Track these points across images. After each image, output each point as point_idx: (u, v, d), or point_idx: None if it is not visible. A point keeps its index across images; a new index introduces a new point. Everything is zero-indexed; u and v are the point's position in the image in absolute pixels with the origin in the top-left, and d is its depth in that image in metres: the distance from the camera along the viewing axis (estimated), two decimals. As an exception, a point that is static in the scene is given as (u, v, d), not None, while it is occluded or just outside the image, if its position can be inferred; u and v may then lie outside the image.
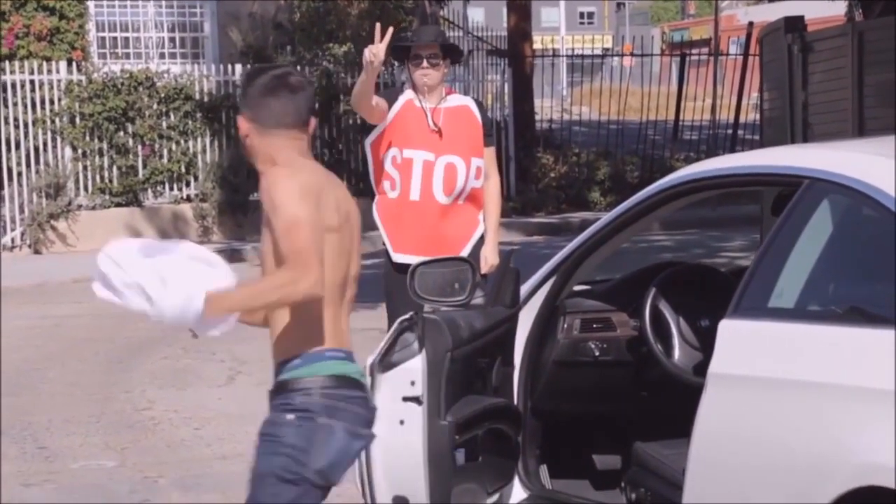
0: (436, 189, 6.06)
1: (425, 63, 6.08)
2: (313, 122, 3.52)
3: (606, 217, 4.34)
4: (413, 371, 3.96)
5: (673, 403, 4.24)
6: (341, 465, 3.32)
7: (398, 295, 5.95)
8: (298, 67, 16.62)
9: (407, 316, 4.05)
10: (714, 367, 3.69)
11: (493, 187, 6.27)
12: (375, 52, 5.73)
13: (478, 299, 4.37)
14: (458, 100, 6.22)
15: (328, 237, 3.32)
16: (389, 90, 6.46)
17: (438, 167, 6.06)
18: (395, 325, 4.04)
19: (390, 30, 5.88)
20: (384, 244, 6.17)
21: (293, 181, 3.33)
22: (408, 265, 5.92)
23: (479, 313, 4.26)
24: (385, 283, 6.18)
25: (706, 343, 4.12)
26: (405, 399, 3.94)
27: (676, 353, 4.32)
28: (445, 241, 6.06)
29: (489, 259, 6.17)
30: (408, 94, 6.15)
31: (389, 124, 6.11)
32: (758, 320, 3.66)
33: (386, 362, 3.99)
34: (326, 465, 3.29)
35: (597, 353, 4.46)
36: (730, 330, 3.70)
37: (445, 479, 3.99)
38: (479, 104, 6.38)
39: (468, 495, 4.15)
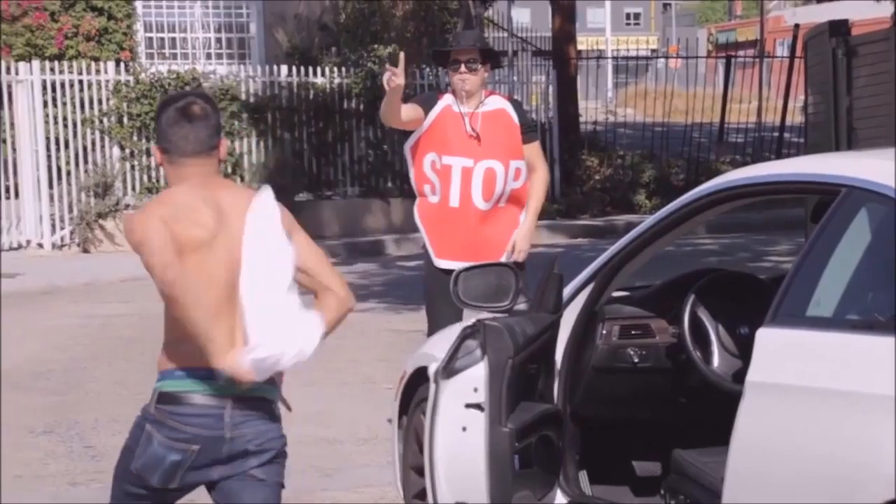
0: (475, 195, 6.08)
1: (463, 68, 6.10)
2: (222, 146, 3.63)
3: (644, 224, 4.36)
4: (476, 378, 4.00)
5: (712, 410, 4.25)
6: (154, 471, 3.53)
7: (439, 298, 5.99)
8: (343, 69, 16.73)
9: (470, 323, 4.07)
10: (752, 375, 3.70)
11: (539, 178, 6.28)
12: (396, 75, 5.76)
13: (521, 305, 4.40)
14: (495, 102, 6.22)
15: (189, 259, 3.45)
16: (426, 94, 6.49)
17: (477, 173, 6.08)
18: (459, 331, 4.07)
19: (402, 56, 5.87)
20: (425, 248, 6.21)
21: (146, 209, 3.54)
22: (450, 270, 6.00)
23: (529, 319, 4.29)
24: (426, 287, 6.22)
25: (745, 350, 4.13)
26: (468, 406, 3.98)
27: (715, 360, 4.33)
28: (487, 245, 6.09)
29: (518, 244, 6.17)
30: (447, 98, 6.17)
31: (427, 129, 6.13)
32: (796, 329, 3.67)
33: (449, 369, 4.03)
34: (140, 466, 3.55)
35: (635, 360, 4.48)
36: (768, 338, 3.71)
37: (506, 487, 4.02)
38: (517, 104, 6.38)
39: (525, 502, 4.18)
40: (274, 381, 3.64)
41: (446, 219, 6.12)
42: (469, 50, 6.13)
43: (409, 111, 6.04)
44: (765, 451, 3.62)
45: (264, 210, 3.54)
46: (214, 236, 3.50)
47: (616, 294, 4.63)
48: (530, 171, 6.27)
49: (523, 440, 4.11)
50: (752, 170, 4.30)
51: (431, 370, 4.58)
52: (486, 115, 6.14)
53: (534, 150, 6.30)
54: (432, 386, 3.87)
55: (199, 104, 3.61)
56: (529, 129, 6.29)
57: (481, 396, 3.98)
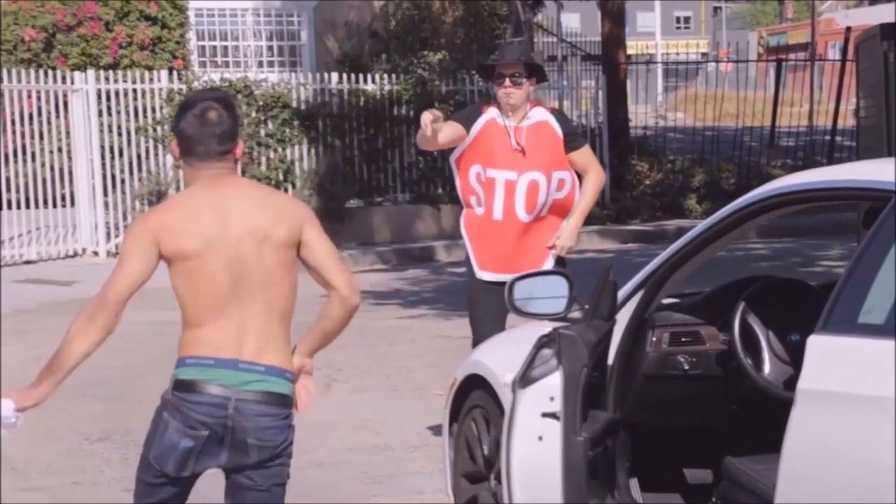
0: (518, 208, 6.13)
1: (508, 82, 6.13)
2: (238, 148, 3.79)
3: (694, 231, 4.36)
4: (552, 387, 4.01)
5: (764, 418, 4.24)
6: (169, 458, 3.72)
7: (482, 307, 6.06)
8: (393, 75, 16.79)
9: (546, 331, 4.09)
10: (803, 382, 3.70)
11: (591, 179, 6.32)
12: (437, 121, 5.82)
13: (574, 312, 4.42)
14: (539, 115, 6.25)
15: (183, 264, 3.70)
16: (468, 110, 6.53)
17: (521, 186, 6.12)
18: (536, 340, 4.08)
19: (431, 117, 5.90)
20: (468, 258, 6.26)
21: (141, 219, 3.79)
22: (491, 282, 6.08)
23: (591, 327, 4.31)
24: (470, 294, 6.27)
25: (796, 357, 4.12)
26: (544, 415, 3.99)
27: (766, 367, 4.33)
28: (528, 256, 6.14)
29: (561, 239, 6.20)
30: (491, 111, 6.22)
31: (472, 142, 6.18)
32: (847, 336, 3.65)
33: (526, 378, 4.04)
34: (157, 454, 3.74)
35: (686, 367, 4.48)
36: (819, 345, 3.70)
37: (581, 496, 4.03)
38: (559, 114, 6.42)
39: None
40: (285, 375, 3.75)
41: (490, 231, 6.17)
42: (514, 64, 6.16)
43: (447, 132, 6.08)
44: (817, 458, 3.61)
45: None
46: (210, 241, 3.69)
47: (666, 301, 4.63)
48: (584, 175, 6.31)
49: (594, 449, 4.13)
50: (803, 176, 4.29)
51: (502, 379, 4.65)
52: (530, 128, 6.18)
53: (584, 154, 6.33)
54: (509, 395, 3.89)
55: (215, 109, 3.74)
56: (575, 136, 6.31)
57: (557, 405, 3.99)
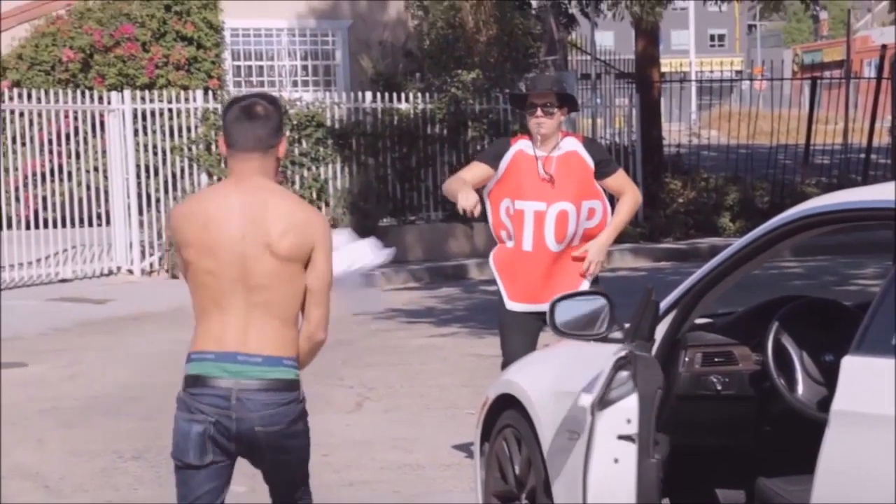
0: (548, 238, 6.16)
1: (539, 112, 6.16)
2: (281, 145, 3.98)
3: (727, 251, 4.34)
4: (629, 409, 4.01)
5: (797, 438, 4.22)
6: (187, 446, 3.90)
7: (513, 329, 6.18)
8: (427, 94, 16.84)
9: (623, 353, 4.08)
10: (837, 404, 3.67)
11: (626, 198, 6.35)
12: (474, 206, 5.97)
13: (615, 333, 4.41)
14: (569, 144, 6.28)
15: (190, 262, 3.91)
16: (495, 146, 6.58)
17: (550, 216, 6.14)
18: (613, 362, 4.07)
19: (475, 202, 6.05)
20: (498, 287, 6.31)
21: (175, 208, 4.06)
22: (521, 312, 6.17)
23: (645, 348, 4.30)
24: (500, 317, 6.34)
25: (830, 378, 4.10)
26: (619, 437, 3.98)
27: (800, 387, 4.30)
28: (558, 286, 6.18)
29: (589, 254, 6.22)
30: (520, 143, 6.27)
31: (502, 176, 6.25)
32: (882, 357, 3.62)
33: (604, 401, 4.04)
34: (176, 449, 3.94)
35: (719, 388, 4.46)
36: (853, 366, 3.67)
37: None
38: (589, 142, 6.47)
39: None
40: (283, 362, 3.90)
41: (520, 263, 6.22)
42: (545, 94, 6.19)
43: (474, 176, 6.24)
44: (851, 480, 3.58)
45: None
46: (213, 240, 3.86)
47: (699, 321, 4.62)
48: (620, 197, 6.34)
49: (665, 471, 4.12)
50: (838, 196, 4.26)
51: (541, 399, 4.65)
52: (560, 158, 6.21)
53: (619, 179, 6.36)
54: (588, 417, 3.90)
55: (261, 104, 3.93)
56: (608, 162, 6.34)
57: (633, 428, 3.98)
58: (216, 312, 3.89)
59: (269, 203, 3.90)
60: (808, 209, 4.17)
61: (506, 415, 5.01)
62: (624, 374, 4.05)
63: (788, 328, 4.33)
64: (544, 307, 6.23)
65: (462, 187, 6.13)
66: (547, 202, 6.16)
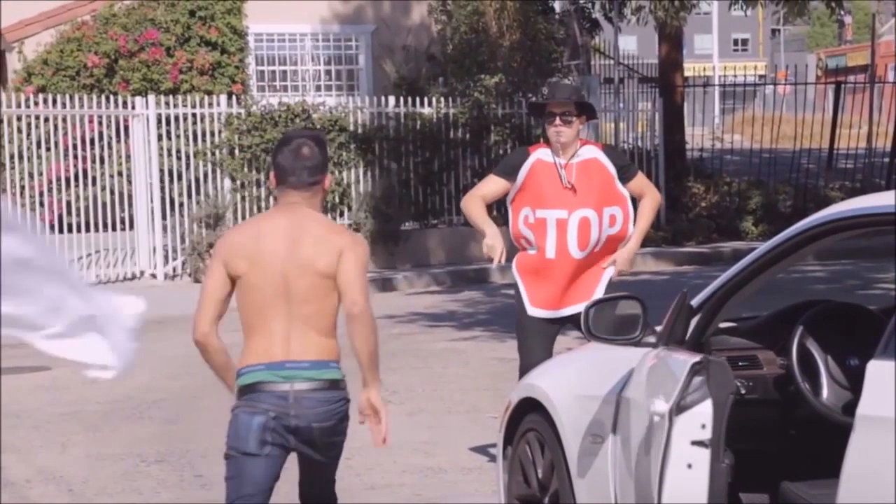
0: (571, 246, 6.19)
1: (558, 121, 6.19)
2: (326, 181, 4.41)
3: (752, 255, 4.33)
4: (703, 414, 4.00)
5: (822, 442, 4.20)
6: (247, 436, 4.29)
7: (531, 333, 6.29)
8: (450, 99, 16.84)
9: (698, 359, 4.08)
10: (862, 408, 3.65)
11: (647, 201, 6.38)
12: (498, 256, 6.07)
13: (649, 337, 4.41)
14: (588, 152, 6.30)
15: (239, 281, 4.31)
16: (512, 158, 6.60)
17: (572, 223, 6.17)
18: (689, 367, 4.06)
19: (502, 252, 6.15)
20: (518, 291, 6.32)
21: (219, 242, 4.45)
22: (541, 318, 6.21)
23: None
24: (518, 321, 6.37)
25: (854, 382, 4.08)
26: (693, 443, 3.98)
27: (825, 391, 4.28)
28: (578, 292, 6.22)
29: (618, 263, 6.25)
30: (538, 152, 6.29)
31: (521, 186, 6.27)
32: (908, 361, 3.61)
33: (680, 406, 4.03)
34: (233, 441, 4.35)
35: (743, 391, 4.44)
36: (879, 370, 3.65)
37: None
38: (609, 149, 6.51)
39: None
40: (329, 365, 4.29)
41: (543, 269, 6.26)
42: (565, 103, 6.21)
43: (490, 191, 6.34)
44: (876, 484, 3.56)
45: None
46: (259, 263, 4.28)
47: (723, 325, 4.60)
48: (640, 200, 6.36)
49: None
50: (866, 200, 4.23)
51: (549, 398, 4.61)
52: (580, 165, 6.23)
53: (639, 182, 6.40)
54: (665, 423, 3.90)
55: (308, 145, 4.37)
56: (627, 168, 6.36)
57: (708, 433, 3.98)
58: (261, 328, 4.28)
59: (309, 227, 4.32)
60: (835, 213, 4.15)
61: (528, 418, 5.00)
62: (699, 379, 4.04)
63: (813, 332, 4.32)
64: (564, 313, 6.27)
65: (486, 224, 6.22)
66: (569, 210, 6.18)
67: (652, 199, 6.37)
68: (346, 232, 4.44)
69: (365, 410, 4.34)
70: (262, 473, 4.31)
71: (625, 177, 6.31)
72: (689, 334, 4.35)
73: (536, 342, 6.26)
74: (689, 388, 4.00)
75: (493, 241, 6.13)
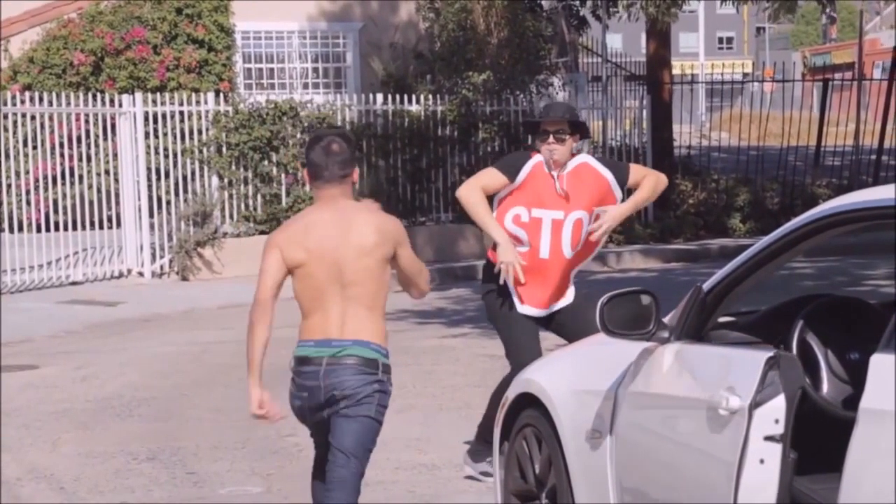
0: (564, 246, 6.31)
1: (552, 139, 6.27)
2: (354, 173, 4.87)
3: (748, 252, 4.31)
4: (777, 409, 3.99)
5: (823, 437, 4.18)
6: (295, 412, 4.90)
7: (520, 325, 6.31)
8: (438, 96, 16.82)
9: (771, 353, 4.06)
10: (866, 402, 3.64)
11: (646, 181, 6.40)
12: (511, 276, 6.12)
13: (661, 331, 4.39)
14: (578, 159, 6.38)
15: (297, 271, 4.77)
16: (514, 157, 6.66)
17: (567, 224, 6.29)
18: (763, 363, 4.05)
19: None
20: (504, 288, 6.30)
21: (273, 235, 4.87)
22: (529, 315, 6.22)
23: None
24: (504, 319, 6.40)
25: (855, 377, 4.06)
26: (766, 438, 3.97)
27: (825, 386, 4.26)
28: (559, 291, 6.34)
29: (604, 217, 6.27)
30: (539, 156, 6.33)
31: (520, 185, 6.31)
32: (911, 355, 3.60)
33: (755, 401, 4.02)
34: (292, 409, 4.92)
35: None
36: (882, 364, 3.64)
37: None
38: (599, 157, 6.67)
39: None
40: (370, 345, 4.74)
41: (535, 269, 6.29)
42: (558, 121, 6.26)
43: (489, 184, 6.32)
44: (879, 479, 3.55)
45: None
46: (315, 251, 4.74)
47: (722, 319, 4.58)
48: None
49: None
50: (864, 194, 4.22)
51: (546, 394, 4.61)
52: (570, 173, 6.32)
53: (635, 171, 6.47)
54: (742, 420, 3.90)
55: (337, 142, 4.84)
56: (619, 168, 6.44)
57: (780, 428, 3.97)
58: (318, 308, 4.76)
59: (353, 216, 4.80)
60: (833, 207, 4.13)
61: (525, 414, 4.98)
62: (773, 374, 4.03)
63: (813, 326, 4.30)
64: (551, 311, 6.32)
65: (497, 231, 6.22)
66: (565, 211, 6.30)
67: (653, 178, 6.40)
68: (388, 217, 4.89)
69: None
70: (317, 435, 4.96)
71: (622, 176, 6.36)
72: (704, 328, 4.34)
73: (529, 338, 6.30)
74: (764, 384, 4.00)
75: (511, 258, 6.14)
